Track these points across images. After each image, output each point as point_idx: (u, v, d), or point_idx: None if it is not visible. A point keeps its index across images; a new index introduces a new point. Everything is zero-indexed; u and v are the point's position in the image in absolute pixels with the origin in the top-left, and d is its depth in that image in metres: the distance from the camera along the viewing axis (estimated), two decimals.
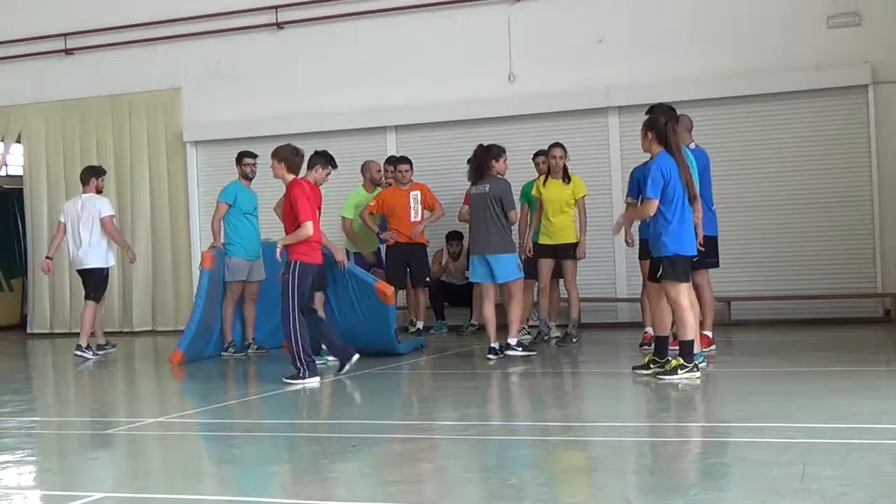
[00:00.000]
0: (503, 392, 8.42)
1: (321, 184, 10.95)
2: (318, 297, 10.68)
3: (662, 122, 8.48)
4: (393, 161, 13.09)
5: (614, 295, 13.50)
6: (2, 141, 16.88)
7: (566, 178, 11.39)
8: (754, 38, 13.16)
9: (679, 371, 8.36)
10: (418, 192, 12.84)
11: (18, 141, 16.80)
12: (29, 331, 16.51)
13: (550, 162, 11.41)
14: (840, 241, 12.86)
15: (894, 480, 5.03)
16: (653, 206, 8.37)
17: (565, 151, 11.41)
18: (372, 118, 14.62)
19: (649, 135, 8.52)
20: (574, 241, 11.37)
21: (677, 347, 8.88)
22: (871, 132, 12.72)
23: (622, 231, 10.20)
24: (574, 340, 11.36)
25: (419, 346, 11.59)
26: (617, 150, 13.31)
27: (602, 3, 13.78)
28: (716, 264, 10.12)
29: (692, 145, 9.90)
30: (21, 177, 17.07)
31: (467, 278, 13.58)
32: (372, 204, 12.72)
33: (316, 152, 10.96)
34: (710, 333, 10.07)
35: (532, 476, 5.60)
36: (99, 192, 12.42)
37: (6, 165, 18.03)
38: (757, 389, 8.69)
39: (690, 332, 8.44)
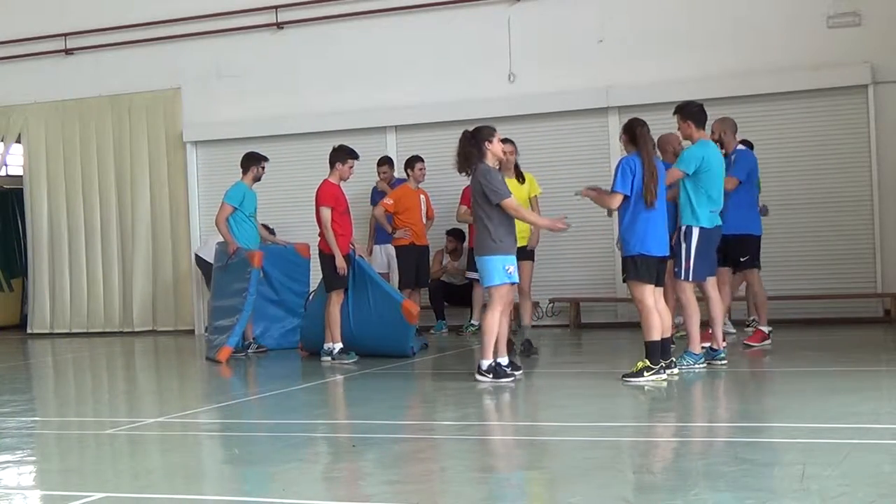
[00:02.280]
0: (503, 392, 8.42)
1: (347, 178, 10.97)
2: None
3: (633, 125, 8.62)
4: (411, 161, 12.97)
5: (614, 295, 13.50)
6: (2, 141, 16.89)
7: (520, 176, 10.59)
8: (754, 38, 13.16)
9: (645, 373, 8.35)
10: (424, 197, 12.89)
11: (18, 141, 16.81)
12: (29, 331, 16.51)
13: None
14: (840, 241, 12.86)
15: (894, 480, 5.04)
16: (617, 199, 8.46)
17: (516, 148, 10.67)
18: (372, 118, 14.62)
19: (624, 137, 8.70)
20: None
21: (708, 343, 9.20)
22: (871, 132, 12.72)
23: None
24: (536, 351, 10.52)
25: (421, 345, 11.59)
26: (617, 151, 13.20)
27: (602, 3, 13.79)
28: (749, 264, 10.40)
29: (740, 146, 10.30)
30: (21, 177, 17.08)
31: (467, 279, 13.60)
32: (389, 203, 12.68)
33: (333, 149, 10.99)
34: (766, 329, 10.41)
35: (532, 476, 5.60)
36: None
37: (6, 165, 18.04)
38: (757, 389, 8.71)
39: (656, 333, 8.43)
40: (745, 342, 10.47)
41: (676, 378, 8.51)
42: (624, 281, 8.82)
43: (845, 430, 6.30)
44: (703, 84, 13.11)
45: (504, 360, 8.94)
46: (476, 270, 11.50)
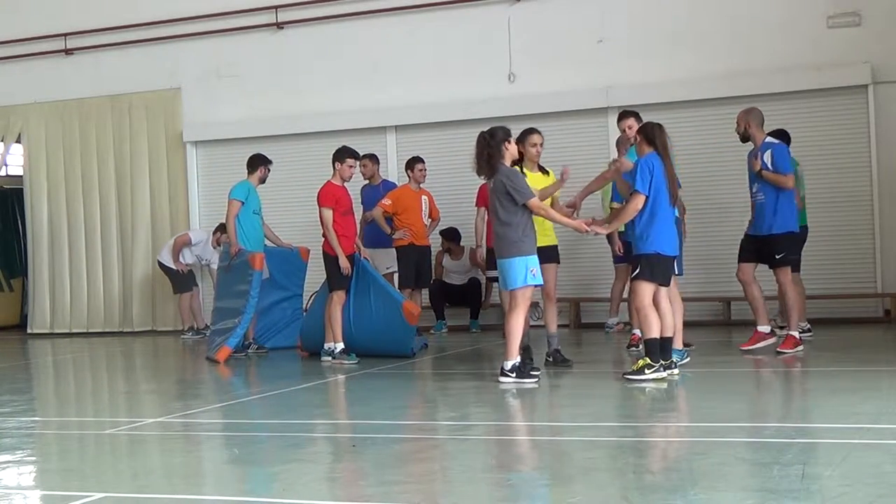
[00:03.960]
0: (503, 392, 8.41)
1: (348, 178, 10.93)
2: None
3: (651, 126, 8.66)
4: (411, 162, 12.87)
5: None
6: (2, 141, 16.89)
7: (543, 169, 10.03)
8: (754, 38, 13.17)
9: (646, 371, 8.35)
10: (426, 198, 12.85)
11: (18, 141, 16.82)
12: (29, 331, 16.52)
13: (529, 150, 9.64)
14: (840, 241, 12.87)
15: (894, 480, 5.03)
16: (640, 200, 8.44)
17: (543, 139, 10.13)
18: (372, 118, 14.62)
19: (638, 138, 8.72)
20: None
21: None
22: (871, 132, 12.73)
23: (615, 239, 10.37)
24: (569, 362, 9.73)
25: (421, 346, 11.59)
26: (616, 151, 13.28)
27: (602, 3, 13.79)
28: (789, 261, 9.94)
29: (770, 139, 9.94)
30: (21, 177, 17.08)
31: (469, 279, 13.59)
32: (387, 203, 12.64)
33: (336, 150, 10.99)
34: (796, 333, 9.82)
35: (532, 476, 5.60)
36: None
37: (6, 165, 18.04)
38: (756, 389, 8.70)
39: (655, 331, 8.42)
40: (777, 349, 9.83)
41: (677, 378, 8.50)
42: (633, 279, 8.60)
43: (845, 430, 6.30)
44: (703, 84, 13.14)
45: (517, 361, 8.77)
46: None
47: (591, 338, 12.61)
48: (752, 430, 6.58)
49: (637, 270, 8.55)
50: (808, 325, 11.19)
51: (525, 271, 8.62)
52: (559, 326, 11.83)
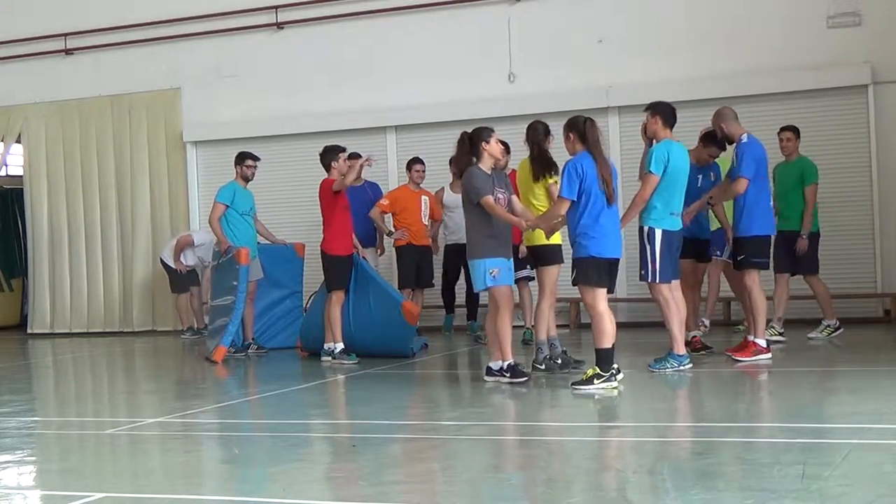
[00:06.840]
0: (502, 392, 8.42)
1: (345, 172, 10.91)
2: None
3: (582, 121, 8.41)
4: (409, 163, 12.81)
5: (613, 295, 13.45)
6: (2, 141, 16.90)
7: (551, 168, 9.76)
8: (754, 38, 13.17)
9: (595, 381, 8.09)
10: (427, 198, 12.80)
11: (18, 141, 16.82)
12: (29, 331, 16.52)
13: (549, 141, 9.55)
14: (840, 241, 12.86)
15: (894, 480, 5.04)
16: (564, 206, 8.25)
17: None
18: (372, 118, 14.62)
19: (571, 135, 8.43)
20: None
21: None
22: (871, 132, 12.73)
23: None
24: (575, 363, 9.46)
25: (422, 345, 11.59)
26: (617, 150, 13.29)
27: (602, 3, 13.80)
28: (766, 266, 9.75)
29: (744, 137, 9.64)
30: (21, 177, 17.09)
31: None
32: (385, 203, 12.61)
33: (321, 154, 10.99)
34: (762, 342, 9.49)
35: (532, 476, 5.60)
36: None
37: (6, 165, 18.05)
38: (756, 389, 8.70)
39: (608, 339, 8.14)
40: (732, 356, 9.56)
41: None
42: (573, 284, 8.38)
43: (845, 430, 6.31)
44: (703, 84, 13.13)
45: (512, 360, 8.72)
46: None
47: (591, 338, 12.57)
48: (752, 430, 6.58)
49: (574, 275, 8.27)
50: (839, 322, 11.13)
51: (484, 274, 8.53)
52: (559, 326, 11.83)
